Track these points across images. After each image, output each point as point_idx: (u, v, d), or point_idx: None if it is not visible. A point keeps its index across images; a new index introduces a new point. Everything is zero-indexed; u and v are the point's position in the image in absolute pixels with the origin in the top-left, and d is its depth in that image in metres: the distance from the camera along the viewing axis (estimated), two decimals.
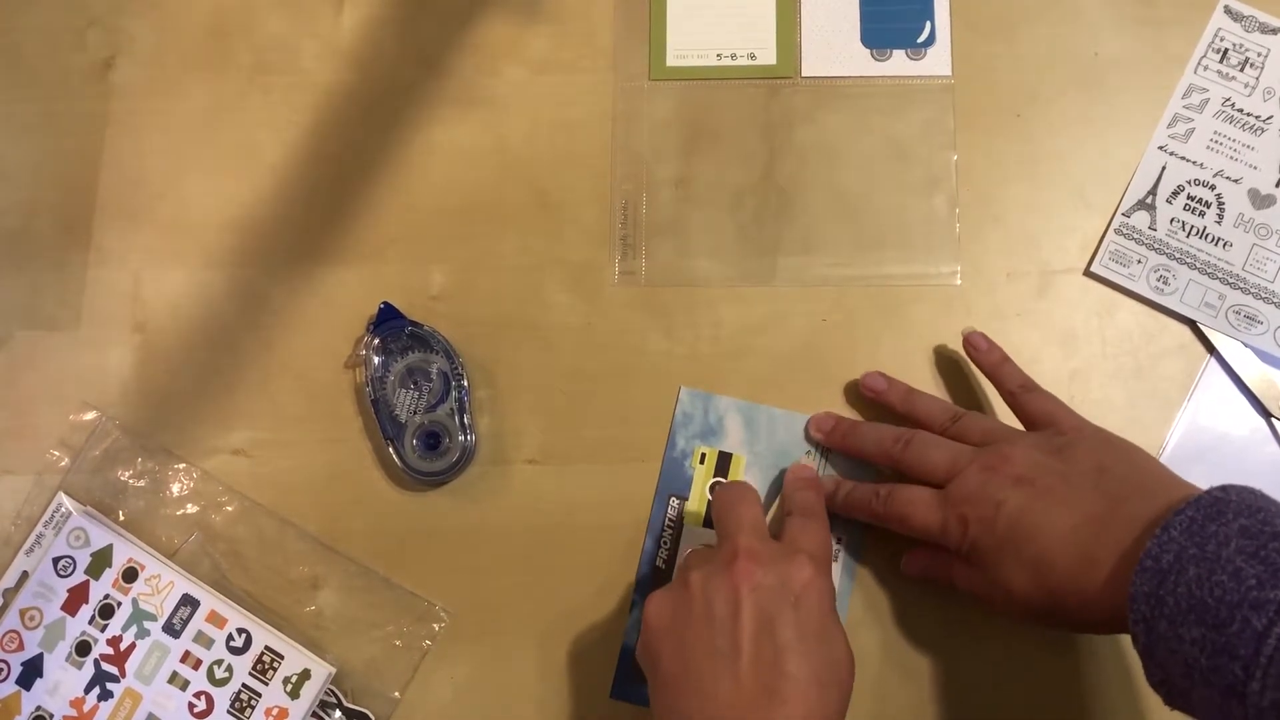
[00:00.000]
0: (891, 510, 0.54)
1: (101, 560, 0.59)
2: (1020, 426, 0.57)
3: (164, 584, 0.59)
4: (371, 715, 0.58)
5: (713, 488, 0.60)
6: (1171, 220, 0.61)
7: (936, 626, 0.58)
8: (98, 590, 0.59)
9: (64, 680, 0.58)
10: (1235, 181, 0.61)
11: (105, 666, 0.58)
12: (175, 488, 0.61)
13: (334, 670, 0.58)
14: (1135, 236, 0.61)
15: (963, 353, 0.60)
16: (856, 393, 0.60)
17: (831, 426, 0.59)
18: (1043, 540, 0.49)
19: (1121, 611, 0.45)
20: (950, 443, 0.55)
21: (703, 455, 0.60)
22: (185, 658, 0.58)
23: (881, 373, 0.59)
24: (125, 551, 0.59)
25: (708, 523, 0.60)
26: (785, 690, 0.46)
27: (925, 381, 0.60)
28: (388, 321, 0.60)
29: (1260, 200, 0.61)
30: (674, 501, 0.60)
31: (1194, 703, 0.43)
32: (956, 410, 0.57)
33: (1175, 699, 0.44)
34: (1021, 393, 0.57)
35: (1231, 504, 0.44)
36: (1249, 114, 0.62)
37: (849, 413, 0.60)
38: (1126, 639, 0.55)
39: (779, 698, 0.45)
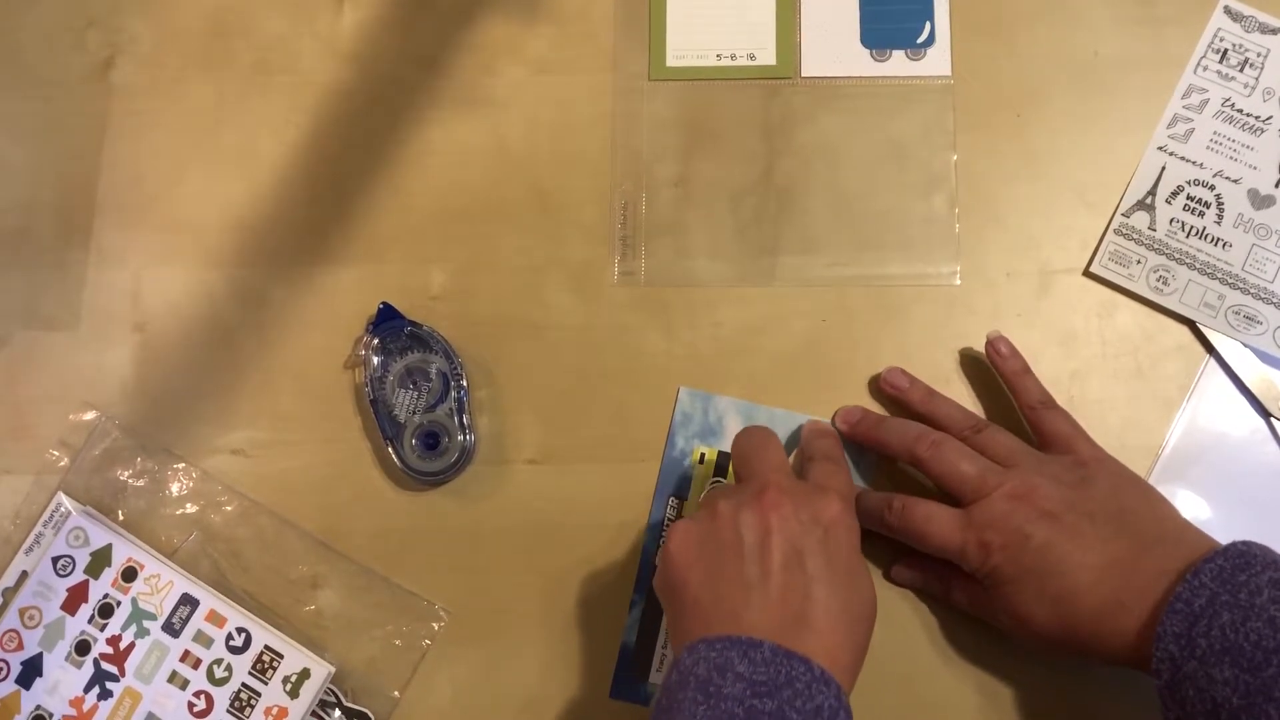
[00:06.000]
0: (908, 525, 0.54)
1: (101, 560, 0.59)
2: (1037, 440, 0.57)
3: (163, 583, 0.59)
4: (371, 715, 0.58)
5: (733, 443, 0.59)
6: (1171, 220, 0.61)
7: (933, 627, 0.58)
8: (97, 590, 0.59)
9: (63, 679, 0.58)
10: (1235, 182, 0.61)
11: (105, 666, 0.58)
12: (175, 487, 0.61)
13: (333, 669, 0.58)
14: (1135, 237, 0.61)
15: (964, 353, 0.60)
16: (857, 395, 0.60)
17: (859, 418, 0.59)
18: (1069, 579, 0.50)
19: (1142, 650, 0.48)
20: (980, 457, 0.55)
21: (702, 455, 0.60)
22: (185, 657, 0.58)
23: (903, 370, 0.59)
24: (125, 551, 0.59)
25: None
26: (814, 619, 0.46)
27: (925, 382, 0.60)
28: (387, 321, 0.61)
29: (1260, 200, 0.61)
30: (674, 501, 0.60)
31: None
32: (978, 420, 0.57)
33: None
34: (1041, 409, 0.57)
35: (1256, 557, 0.47)
36: (1248, 114, 0.62)
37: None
38: None
39: (809, 626, 0.46)
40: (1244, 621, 0.45)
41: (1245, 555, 0.47)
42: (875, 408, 0.60)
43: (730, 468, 0.60)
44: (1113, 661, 0.50)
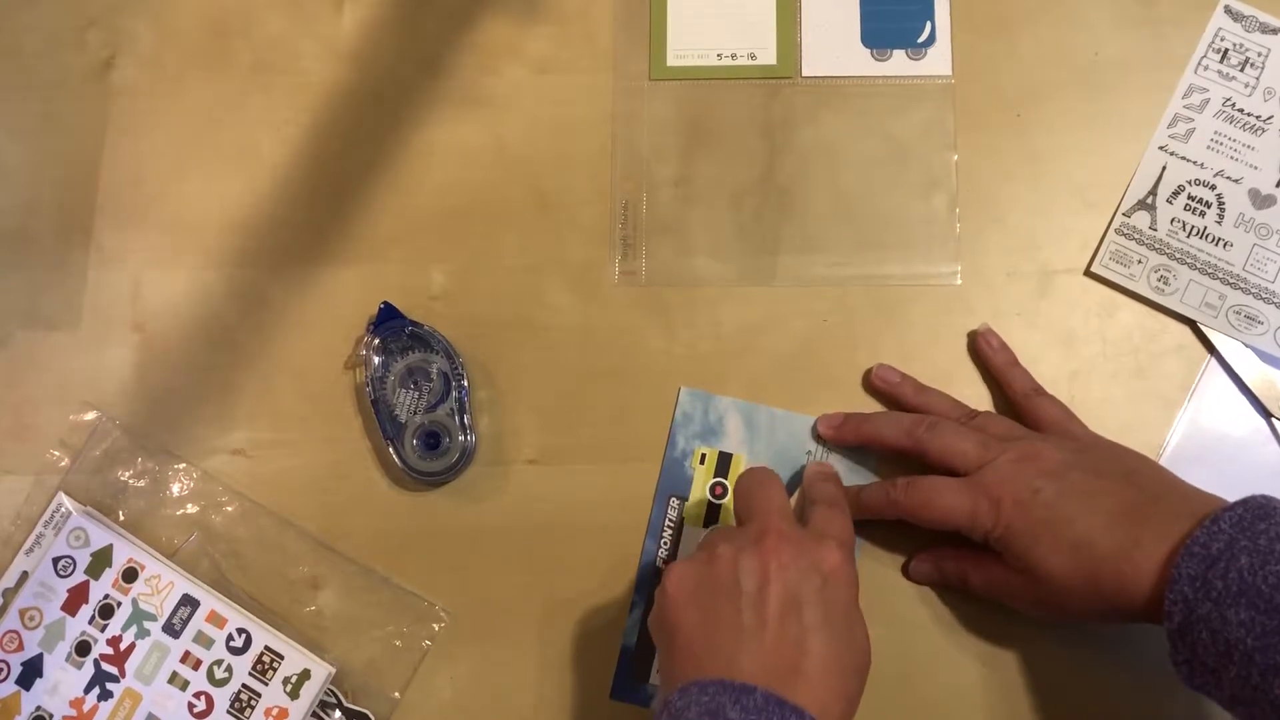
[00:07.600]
0: (915, 497, 0.54)
1: (101, 560, 0.59)
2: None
3: (164, 584, 0.59)
4: (371, 715, 0.58)
5: (734, 481, 0.60)
6: (1172, 220, 0.61)
7: (932, 631, 0.58)
8: (97, 590, 0.59)
9: (64, 680, 0.58)
10: (1236, 181, 0.61)
11: (105, 666, 0.58)
12: (175, 488, 0.61)
13: (334, 670, 0.58)
14: (1136, 236, 0.61)
15: (964, 352, 0.60)
16: (857, 394, 0.60)
17: (841, 420, 0.59)
18: (1084, 522, 0.50)
19: (1158, 594, 0.47)
20: (976, 432, 0.55)
21: (703, 455, 0.60)
22: (185, 658, 0.58)
23: (892, 366, 0.60)
24: (125, 551, 0.59)
25: (708, 523, 0.60)
26: (808, 669, 0.46)
27: (925, 381, 0.60)
28: (388, 321, 0.61)
29: (1261, 200, 0.61)
30: (674, 502, 0.60)
31: (1222, 682, 0.46)
32: (970, 409, 0.58)
33: (1197, 678, 0.47)
34: (1034, 395, 0.58)
35: (1277, 509, 0.47)
36: (1249, 114, 0.62)
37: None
38: (1134, 639, 0.55)
39: (802, 676, 0.46)
40: (1263, 565, 0.45)
41: (1265, 506, 0.47)
42: (875, 408, 0.60)
43: (729, 468, 0.60)
44: (1133, 610, 0.49)
